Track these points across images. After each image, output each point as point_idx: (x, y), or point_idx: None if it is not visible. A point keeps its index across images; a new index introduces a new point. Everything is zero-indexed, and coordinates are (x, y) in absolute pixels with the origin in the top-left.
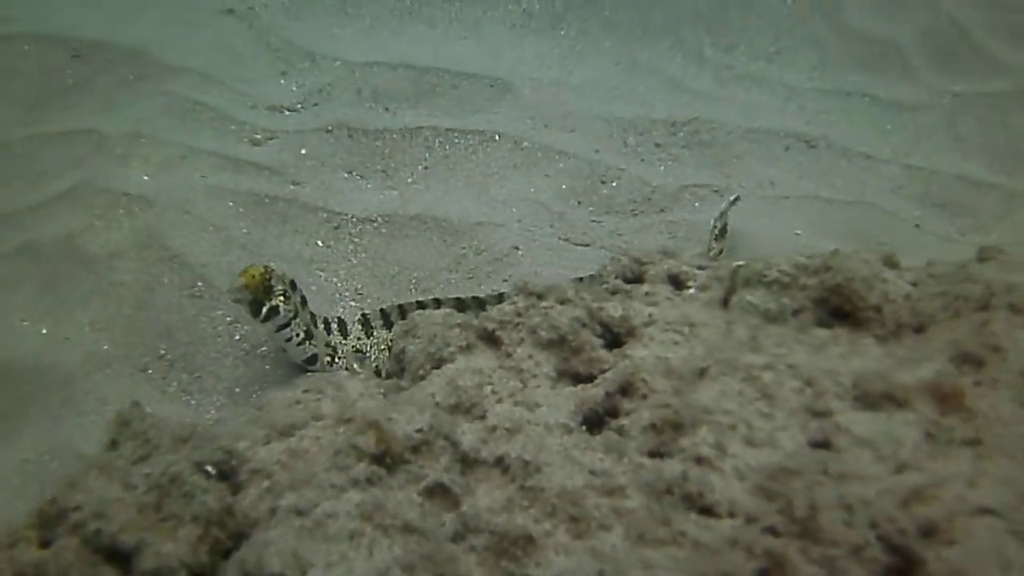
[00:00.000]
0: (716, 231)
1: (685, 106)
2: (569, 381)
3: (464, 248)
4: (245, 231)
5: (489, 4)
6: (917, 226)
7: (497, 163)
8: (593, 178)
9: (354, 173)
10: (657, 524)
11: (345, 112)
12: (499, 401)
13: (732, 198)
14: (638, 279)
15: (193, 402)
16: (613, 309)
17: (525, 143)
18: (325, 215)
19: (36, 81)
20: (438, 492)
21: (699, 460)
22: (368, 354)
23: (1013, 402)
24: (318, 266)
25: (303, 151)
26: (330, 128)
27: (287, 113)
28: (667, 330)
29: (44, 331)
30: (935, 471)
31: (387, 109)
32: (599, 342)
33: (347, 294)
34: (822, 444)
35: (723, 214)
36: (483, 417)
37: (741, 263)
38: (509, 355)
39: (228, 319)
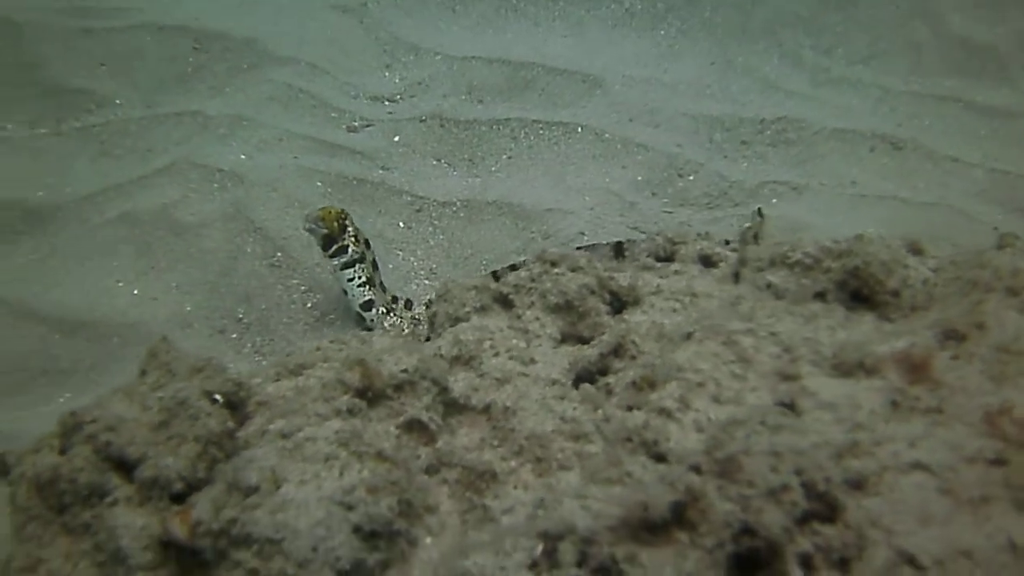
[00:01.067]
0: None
1: (776, 105)
2: (573, 343)
3: (534, 233)
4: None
5: (593, 3)
6: (996, 229)
7: (577, 154)
8: (670, 171)
9: (442, 161)
10: (610, 466)
11: (439, 103)
12: (496, 355)
13: (756, 210)
14: (669, 258)
15: (264, 363)
16: (622, 278)
17: (607, 135)
18: (409, 198)
19: (158, 67)
20: (416, 427)
21: (662, 412)
22: (424, 323)
23: (983, 375)
24: (397, 246)
25: (396, 138)
26: (424, 118)
27: (386, 103)
28: (669, 299)
29: (135, 292)
30: (883, 432)
31: (480, 102)
32: (605, 309)
33: (422, 273)
34: (788, 405)
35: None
36: (479, 368)
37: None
38: (519, 317)
39: (303, 288)
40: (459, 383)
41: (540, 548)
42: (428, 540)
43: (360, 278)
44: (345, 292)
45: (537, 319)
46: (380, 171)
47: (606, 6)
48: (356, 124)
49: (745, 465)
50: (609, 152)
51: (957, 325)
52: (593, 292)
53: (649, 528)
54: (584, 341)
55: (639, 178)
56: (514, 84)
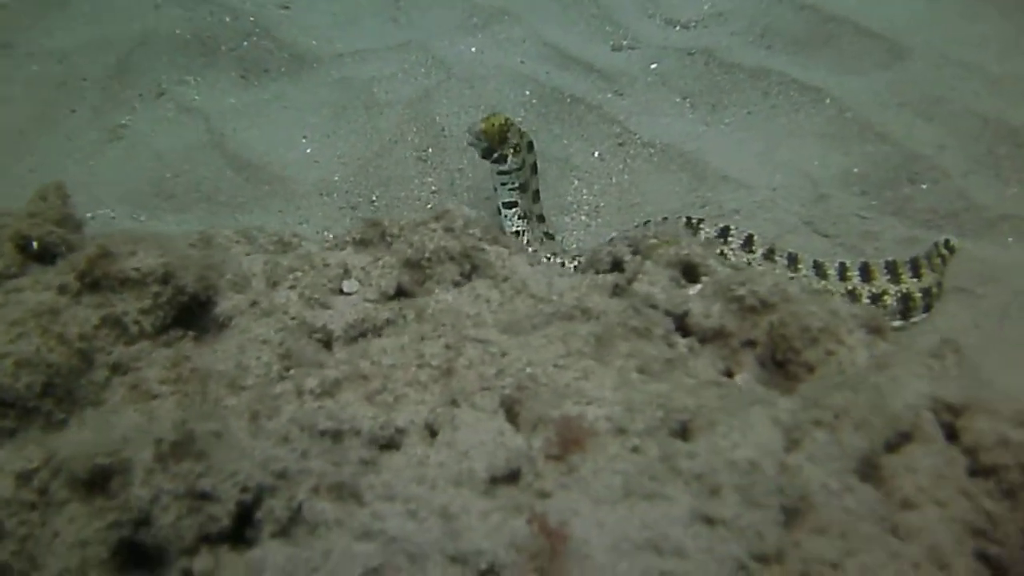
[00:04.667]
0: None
1: None
2: (402, 303)
3: (698, 196)
4: (520, 118)
5: None
6: None
7: (807, 126)
8: (901, 172)
9: (686, 100)
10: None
11: (721, 40)
12: (292, 287)
13: (943, 241)
14: (646, 255)
15: None
16: (492, 254)
17: (849, 114)
18: (618, 129)
19: None
20: (112, 323)
21: (299, 392)
22: (558, 240)
23: (614, 481)
24: (579, 174)
25: (653, 66)
26: (693, 52)
27: (677, 28)
28: (497, 288)
29: (308, 151)
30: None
31: (768, 47)
32: (454, 278)
33: (585, 208)
34: (432, 429)
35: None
36: (267, 294)
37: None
38: (377, 260)
39: (433, 188)
40: (228, 303)
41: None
42: (75, 431)
43: (513, 183)
44: (495, 188)
45: (383, 267)
46: (609, 95)
47: None
48: (624, 43)
49: (191, 459)
50: (841, 133)
51: (691, 419)
52: (452, 259)
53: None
54: None
55: (855, 170)
56: (814, 36)
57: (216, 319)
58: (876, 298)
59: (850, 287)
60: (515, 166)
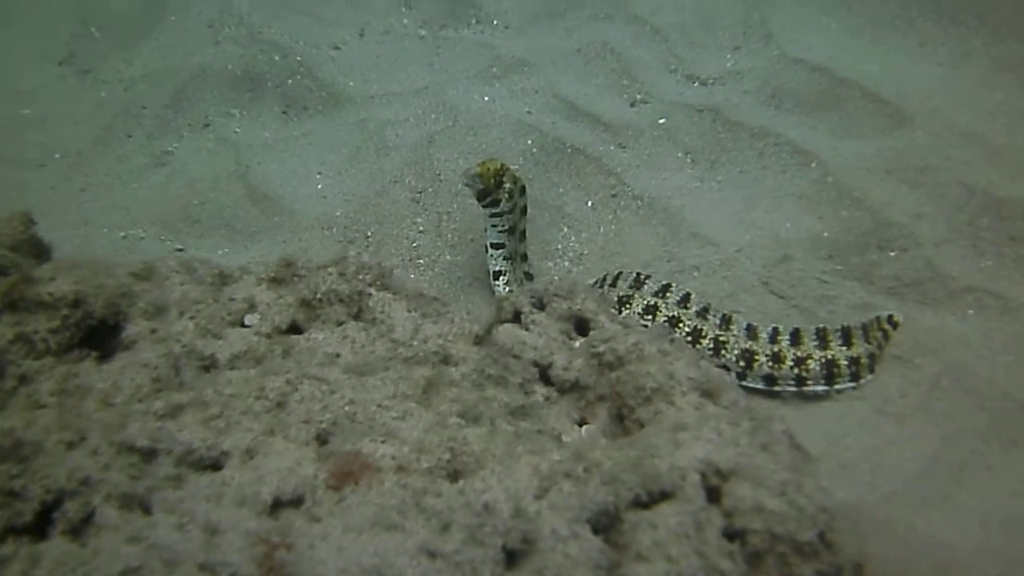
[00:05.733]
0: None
1: None
2: (276, 339)
3: (666, 251)
4: (517, 166)
5: (996, 38)
6: None
7: (789, 188)
8: (871, 239)
9: (688, 155)
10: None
11: (732, 98)
12: (192, 318)
13: (887, 316)
14: (543, 308)
15: None
16: (376, 300)
17: (830, 178)
18: (613, 181)
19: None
20: (24, 340)
21: (146, 412)
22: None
23: (367, 512)
24: (568, 222)
25: (661, 121)
26: (702, 109)
27: (695, 85)
28: (364, 331)
29: (319, 187)
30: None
31: (776, 107)
32: (340, 319)
33: (570, 254)
34: (252, 454)
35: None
36: (168, 322)
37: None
38: (280, 297)
39: (421, 229)
40: (135, 328)
41: None
42: None
43: (503, 225)
44: (485, 229)
45: (282, 304)
46: (612, 147)
47: (1006, 45)
48: (639, 97)
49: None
50: (818, 197)
51: (473, 462)
52: (341, 300)
53: None
54: None
55: (825, 234)
56: (821, 99)
57: (122, 342)
58: (800, 361)
59: (776, 349)
60: (507, 210)
